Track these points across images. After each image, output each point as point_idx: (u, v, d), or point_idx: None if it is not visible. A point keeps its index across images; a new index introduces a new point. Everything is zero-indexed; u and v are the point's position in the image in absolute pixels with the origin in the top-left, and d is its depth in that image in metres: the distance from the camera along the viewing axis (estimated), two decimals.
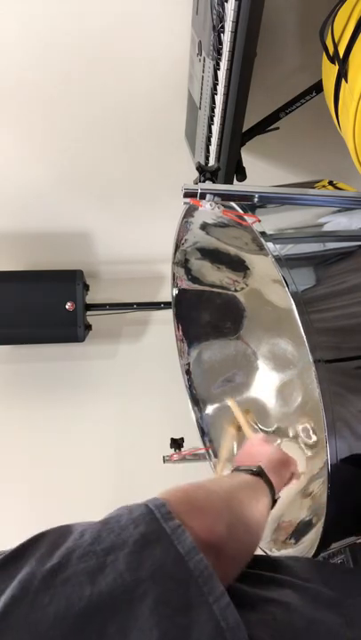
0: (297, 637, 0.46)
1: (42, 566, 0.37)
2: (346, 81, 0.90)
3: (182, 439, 1.40)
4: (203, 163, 1.21)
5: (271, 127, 1.26)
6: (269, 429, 1.21)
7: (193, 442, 1.34)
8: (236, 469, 0.72)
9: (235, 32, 0.91)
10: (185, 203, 0.97)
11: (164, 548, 0.39)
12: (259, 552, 0.95)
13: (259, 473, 0.69)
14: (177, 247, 1.18)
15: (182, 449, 1.38)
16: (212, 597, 0.37)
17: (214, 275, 1.26)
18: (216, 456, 1.26)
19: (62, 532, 0.41)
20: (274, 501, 0.68)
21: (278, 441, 1.16)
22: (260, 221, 0.79)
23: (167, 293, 1.30)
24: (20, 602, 0.34)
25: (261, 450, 0.82)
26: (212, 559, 0.42)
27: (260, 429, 1.21)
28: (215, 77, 1.04)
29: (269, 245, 0.75)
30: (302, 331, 0.66)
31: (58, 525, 0.43)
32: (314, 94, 1.20)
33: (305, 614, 0.48)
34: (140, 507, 0.44)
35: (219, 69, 1.02)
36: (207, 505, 0.51)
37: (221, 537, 0.48)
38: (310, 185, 1.09)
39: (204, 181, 1.04)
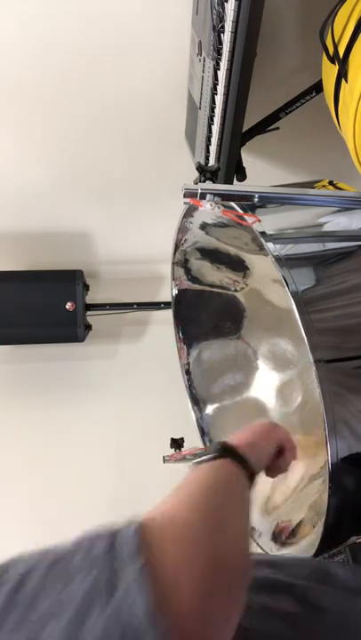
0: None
1: None
2: (346, 81, 0.90)
3: (182, 439, 1.40)
4: (203, 163, 1.21)
5: (271, 127, 1.26)
6: None
7: (193, 442, 1.34)
8: (201, 454, 0.59)
9: (235, 32, 0.91)
10: (185, 203, 0.97)
11: (110, 616, 0.31)
12: (258, 551, 0.95)
13: (221, 452, 0.56)
14: (177, 247, 1.18)
15: (182, 449, 1.38)
16: None
17: (214, 275, 1.26)
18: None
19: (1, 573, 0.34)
20: (253, 477, 0.58)
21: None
22: (260, 221, 0.79)
23: (167, 293, 1.30)
24: None
25: (239, 433, 0.70)
26: (185, 618, 0.33)
27: None
28: (215, 77, 1.04)
29: (269, 245, 0.75)
30: (303, 331, 0.66)
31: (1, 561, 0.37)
32: (314, 94, 1.20)
33: (305, 615, 0.48)
34: (104, 537, 0.36)
35: (219, 69, 1.02)
36: (185, 542, 0.39)
37: (201, 585, 0.36)
38: (310, 185, 1.09)
39: (204, 181, 1.04)
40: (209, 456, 0.56)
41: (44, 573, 0.33)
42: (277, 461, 0.69)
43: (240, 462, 0.56)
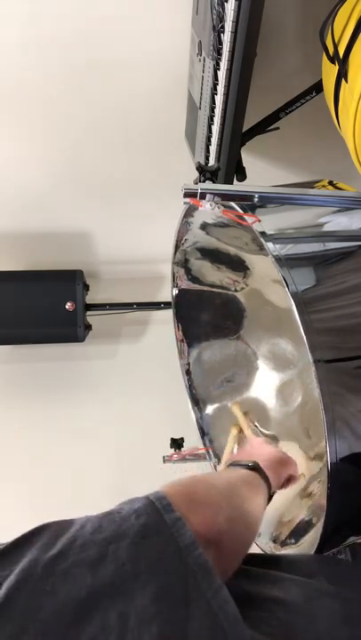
0: (296, 636, 0.46)
1: (44, 555, 0.37)
2: (346, 81, 0.90)
3: (182, 439, 1.40)
4: (203, 163, 1.21)
5: (271, 127, 1.26)
6: (269, 432, 1.21)
7: (193, 442, 1.34)
8: (233, 464, 0.72)
9: (235, 32, 0.91)
10: (185, 203, 0.97)
11: (163, 540, 0.40)
12: (258, 551, 0.95)
13: (255, 468, 0.68)
14: (177, 247, 1.18)
15: (182, 449, 1.38)
16: (210, 592, 0.37)
17: (214, 275, 1.26)
18: (216, 456, 1.26)
19: (64, 523, 0.42)
20: (270, 498, 0.69)
21: (279, 443, 1.15)
22: (260, 221, 0.79)
23: (167, 293, 1.30)
24: (22, 589, 0.34)
25: (260, 451, 0.82)
26: (211, 553, 0.42)
27: (261, 431, 1.21)
28: (215, 77, 1.04)
29: (269, 245, 0.75)
30: (302, 331, 0.66)
31: (61, 519, 0.44)
32: (314, 94, 1.20)
33: (305, 613, 0.48)
34: (142, 499, 0.45)
35: (219, 69, 1.02)
36: (207, 499, 0.51)
37: (221, 531, 0.48)
38: (310, 185, 1.09)
39: (204, 181, 1.04)
40: (244, 465, 0.69)
41: (99, 519, 0.42)
42: (283, 487, 0.80)
43: (266, 482, 0.67)
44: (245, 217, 0.80)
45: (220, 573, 0.40)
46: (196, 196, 0.84)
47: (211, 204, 0.84)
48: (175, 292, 1.28)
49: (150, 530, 0.40)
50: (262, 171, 1.59)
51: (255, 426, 1.20)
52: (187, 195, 0.84)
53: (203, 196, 0.84)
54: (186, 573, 0.38)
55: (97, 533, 0.39)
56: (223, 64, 0.99)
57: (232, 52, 0.95)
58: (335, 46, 0.91)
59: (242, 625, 0.37)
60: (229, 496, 0.55)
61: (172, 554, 0.39)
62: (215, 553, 0.45)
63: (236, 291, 1.28)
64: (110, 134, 1.49)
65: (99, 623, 0.33)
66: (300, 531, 0.93)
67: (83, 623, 0.33)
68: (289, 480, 0.80)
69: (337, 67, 0.91)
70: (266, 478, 0.68)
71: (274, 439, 1.18)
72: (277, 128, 1.27)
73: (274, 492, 0.72)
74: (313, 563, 0.65)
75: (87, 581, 0.35)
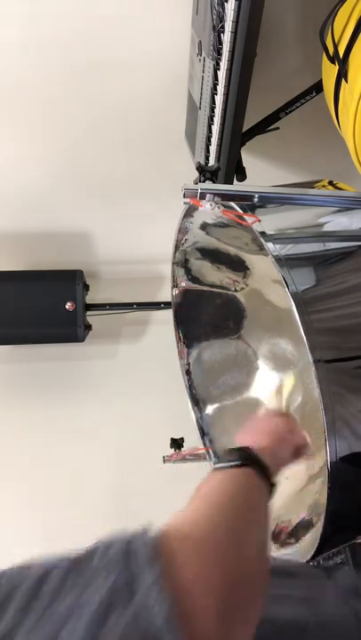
0: None
1: None
2: (346, 81, 0.90)
3: (182, 439, 1.39)
4: (203, 163, 1.21)
5: (271, 127, 1.26)
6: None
7: (193, 442, 1.34)
8: (221, 460, 0.59)
9: (235, 32, 0.91)
10: (185, 203, 0.97)
11: (132, 618, 0.31)
12: None
13: (246, 460, 0.57)
14: (177, 247, 1.18)
15: (182, 449, 1.37)
16: None
17: (214, 275, 1.25)
18: (216, 456, 1.26)
19: (20, 573, 0.35)
20: (272, 485, 0.58)
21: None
22: (260, 221, 0.79)
23: (167, 293, 1.30)
24: None
25: (264, 425, 0.72)
26: (203, 626, 0.33)
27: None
28: (215, 77, 1.04)
29: (269, 245, 0.75)
30: (302, 331, 0.66)
31: (15, 566, 0.36)
32: (314, 94, 1.20)
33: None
34: (120, 541, 0.36)
35: (219, 69, 1.02)
36: (205, 551, 0.39)
37: (218, 593, 0.36)
38: (310, 185, 1.09)
39: (204, 181, 1.04)
40: (231, 463, 0.56)
41: (62, 574, 0.34)
42: (293, 459, 0.72)
43: (263, 472, 0.56)
44: (245, 217, 0.80)
45: None
46: (196, 196, 0.84)
47: (211, 204, 0.84)
48: (175, 291, 1.28)
49: (116, 600, 0.31)
50: (262, 171, 1.59)
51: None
52: (187, 195, 0.84)
53: (203, 196, 0.84)
54: None
55: (56, 599, 0.32)
56: (223, 64, 0.99)
57: (232, 51, 0.95)
58: (335, 46, 0.91)
59: None
60: (231, 542, 0.42)
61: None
62: (209, 625, 0.34)
63: (236, 291, 1.28)
64: (110, 134, 1.49)
65: None
66: (300, 530, 0.93)
67: None
68: (298, 453, 0.72)
69: (337, 67, 0.91)
70: (262, 466, 0.57)
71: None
72: (277, 128, 1.27)
73: (275, 483, 0.60)
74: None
75: None
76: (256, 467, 0.57)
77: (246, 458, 0.57)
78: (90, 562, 0.35)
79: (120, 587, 0.32)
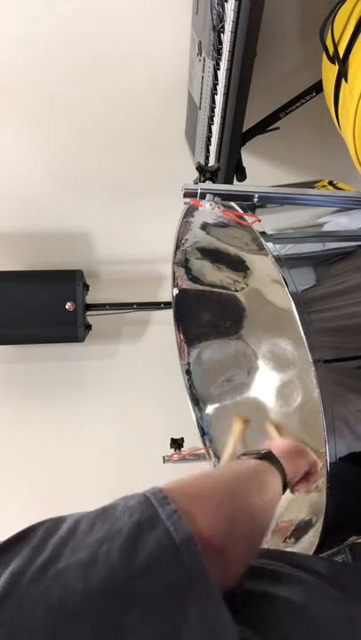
0: (295, 636, 0.45)
1: (35, 557, 0.36)
2: (346, 81, 0.90)
3: (182, 439, 1.40)
4: (203, 163, 1.21)
5: (271, 127, 1.26)
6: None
7: (193, 442, 1.34)
8: (244, 454, 0.69)
9: (235, 32, 0.91)
10: (185, 203, 0.97)
11: (157, 536, 0.38)
12: None
13: (267, 456, 0.65)
14: (177, 247, 1.18)
15: (182, 449, 1.38)
16: (204, 596, 0.36)
17: (214, 275, 1.26)
18: (216, 456, 1.26)
19: (57, 522, 0.41)
20: (286, 486, 0.66)
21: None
22: (260, 221, 0.79)
23: (167, 293, 1.30)
24: (11, 594, 0.33)
25: (275, 442, 0.80)
26: (212, 553, 0.41)
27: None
28: (215, 77, 1.04)
29: (269, 245, 0.75)
30: (302, 331, 0.66)
31: (54, 516, 0.43)
32: (314, 94, 1.20)
33: (306, 613, 0.48)
34: (138, 495, 0.44)
35: (219, 69, 1.02)
36: (208, 492, 0.49)
37: (222, 531, 0.45)
38: (310, 185, 1.09)
39: (204, 181, 1.04)
40: (256, 454, 0.65)
41: (91, 520, 0.40)
42: (303, 482, 0.76)
43: (280, 470, 0.64)
44: (245, 217, 0.80)
45: (224, 577, 0.39)
46: (196, 196, 0.84)
47: (211, 204, 0.84)
48: (175, 292, 1.28)
49: (144, 526, 0.39)
50: (262, 171, 1.59)
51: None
52: (187, 195, 0.84)
53: (203, 196, 0.84)
54: (181, 575, 0.37)
55: (89, 534, 0.38)
56: (223, 64, 0.99)
57: (232, 52, 0.95)
58: (335, 46, 0.91)
59: (234, 634, 0.37)
60: (233, 491, 0.51)
61: (166, 552, 0.38)
62: (218, 554, 0.43)
63: (236, 291, 1.28)
64: (110, 134, 1.49)
65: (90, 633, 0.32)
66: (300, 530, 0.93)
67: (74, 632, 0.32)
68: (309, 475, 0.76)
69: (337, 67, 0.91)
70: (280, 466, 0.65)
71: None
72: (277, 128, 1.27)
73: (290, 484, 0.69)
74: (315, 561, 0.64)
75: (78, 587, 0.34)
76: (275, 464, 0.65)
77: (268, 454, 0.66)
78: (114, 510, 0.42)
79: (145, 519, 0.40)
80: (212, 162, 1.22)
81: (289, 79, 1.32)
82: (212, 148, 1.19)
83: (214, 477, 0.54)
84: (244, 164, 1.25)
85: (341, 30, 0.91)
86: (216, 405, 1.31)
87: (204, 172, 1.04)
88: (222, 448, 1.22)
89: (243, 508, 0.50)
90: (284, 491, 0.65)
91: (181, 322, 1.31)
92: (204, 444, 1.29)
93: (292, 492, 0.75)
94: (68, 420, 1.84)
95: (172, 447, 1.38)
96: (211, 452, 1.28)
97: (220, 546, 0.44)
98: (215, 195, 0.84)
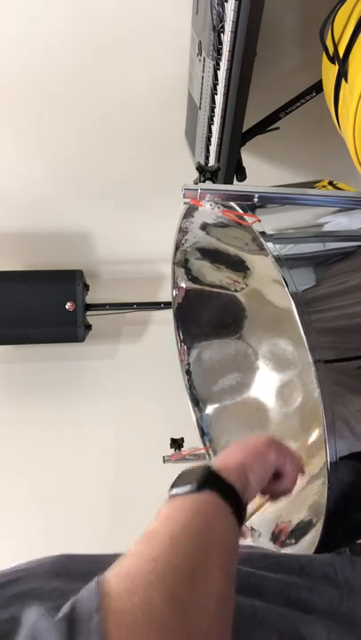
0: None
1: None
2: (346, 81, 0.90)
3: (182, 439, 1.40)
4: (203, 163, 1.21)
5: (271, 127, 1.26)
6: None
7: (193, 442, 1.34)
8: (173, 487, 0.49)
9: (235, 32, 0.91)
10: (185, 203, 0.97)
11: None
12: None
13: (206, 482, 0.48)
14: (177, 247, 1.18)
15: (182, 449, 1.38)
16: None
17: (214, 275, 1.25)
18: (216, 455, 1.26)
19: None
20: (243, 509, 0.49)
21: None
22: (260, 221, 0.79)
23: (167, 293, 1.30)
24: None
25: (238, 443, 0.59)
26: None
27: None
28: (215, 77, 1.04)
29: (269, 245, 0.75)
30: (302, 331, 0.66)
31: None
32: (314, 94, 1.20)
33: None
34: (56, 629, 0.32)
35: (219, 69, 1.02)
36: (155, 616, 0.34)
37: None
38: (310, 185, 1.09)
39: (204, 181, 1.04)
40: (188, 488, 0.47)
41: None
42: (277, 485, 0.61)
43: (226, 494, 0.48)
44: (245, 217, 0.80)
45: None
46: (196, 196, 0.84)
47: (211, 204, 0.84)
48: (175, 292, 1.28)
49: None
50: (262, 171, 1.59)
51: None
52: (187, 195, 0.84)
53: (203, 196, 0.84)
54: None
55: None
56: (223, 64, 0.99)
57: (232, 51, 0.95)
58: (335, 46, 0.91)
59: None
60: (182, 585, 0.36)
61: None
62: None
63: (236, 291, 1.28)
64: (110, 134, 1.49)
65: None
66: (299, 531, 0.93)
67: None
68: (281, 474, 0.60)
69: (337, 67, 0.91)
70: (227, 488, 0.48)
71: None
72: (277, 128, 1.27)
73: (250, 500, 0.53)
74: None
75: None
76: (218, 489, 0.48)
77: (205, 481, 0.48)
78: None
79: None
80: (212, 162, 1.21)
81: (289, 79, 1.32)
82: (212, 148, 1.19)
83: (157, 582, 0.36)
84: (244, 164, 1.25)
85: (341, 30, 0.91)
86: (216, 405, 1.30)
87: (204, 172, 1.04)
88: (222, 449, 1.22)
89: (201, 593, 0.37)
90: (241, 516, 0.49)
91: (181, 322, 1.31)
92: (204, 444, 1.29)
93: (273, 500, 0.64)
94: (68, 419, 1.84)
95: (172, 447, 1.38)
96: (211, 452, 1.28)
97: None
98: (215, 195, 0.84)
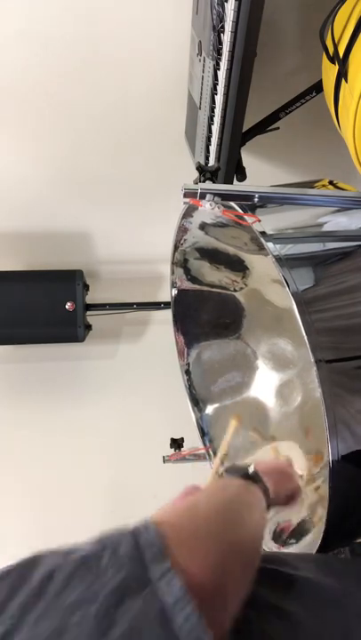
0: None
1: None
2: (346, 81, 0.90)
3: (182, 439, 1.39)
4: (203, 163, 1.21)
5: (271, 127, 1.26)
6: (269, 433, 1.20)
7: (193, 442, 1.34)
8: (229, 470, 0.68)
9: (235, 32, 0.91)
10: (185, 203, 0.97)
11: (145, 599, 0.33)
12: None
13: (252, 476, 0.64)
14: (176, 247, 1.18)
15: (182, 449, 1.37)
16: None
17: (214, 275, 1.26)
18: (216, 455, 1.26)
19: (28, 568, 0.36)
20: (269, 506, 0.64)
21: (279, 444, 1.14)
22: (260, 221, 0.79)
23: (167, 293, 1.30)
24: None
25: (270, 461, 0.80)
26: (209, 600, 0.37)
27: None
28: (215, 77, 1.04)
29: (269, 245, 0.75)
30: (303, 331, 0.66)
31: (27, 557, 0.37)
32: (314, 94, 1.20)
33: (311, 630, 0.48)
34: (129, 543, 0.37)
35: (219, 69, 1.02)
36: (203, 542, 0.42)
37: (217, 577, 0.40)
38: (310, 185, 1.09)
39: (204, 181, 1.04)
40: (241, 471, 0.64)
41: (72, 568, 0.35)
42: (282, 505, 0.73)
43: (264, 491, 0.62)
44: (245, 217, 0.80)
45: (223, 619, 0.36)
46: (196, 196, 0.84)
47: (211, 204, 0.84)
48: (175, 292, 1.28)
49: (129, 589, 0.33)
50: (262, 171, 1.59)
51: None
52: (187, 195, 0.84)
53: (203, 196, 0.84)
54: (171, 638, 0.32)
55: (61, 595, 0.33)
56: (223, 64, 0.99)
57: (232, 52, 0.95)
58: (335, 46, 0.91)
59: None
60: (227, 525, 0.47)
61: (153, 617, 0.32)
62: (214, 599, 0.38)
63: (235, 291, 1.28)
64: (110, 134, 1.49)
65: None
66: (300, 531, 0.93)
67: None
68: (290, 499, 0.73)
69: (337, 67, 0.91)
70: (264, 487, 0.63)
71: (273, 439, 1.17)
72: (277, 128, 1.27)
73: (271, 503, 0.65)
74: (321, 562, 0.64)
75: None
76: (259, 484, 0.63)
77: (252, 473, 0.64)
78: (98, 561, 0.36)
79: (132, 579, 0.34)
80: (212, 162, 1.21)
81: (289, 79, 1.32)
82: (212, 148, 1.19)
83: (206, 516, 0.47)
84: (244, 164, 1.25)
85: (341, 30, 0.91)
86: (216, 405, 1.30)
87: (204, 172, 1.04)
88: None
89: (236, 545, 0.46)
90: (268, 509, 0.63)
91: (181, 322, 1.31)
92: (204, 445, 1.29)
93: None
94: (68, 419, 1.84)
95: (172, 447, 1.38)
96: (211, 452, 1.28)
97: (216, 590, 0.39)
98: (215, 195, 0.84)
